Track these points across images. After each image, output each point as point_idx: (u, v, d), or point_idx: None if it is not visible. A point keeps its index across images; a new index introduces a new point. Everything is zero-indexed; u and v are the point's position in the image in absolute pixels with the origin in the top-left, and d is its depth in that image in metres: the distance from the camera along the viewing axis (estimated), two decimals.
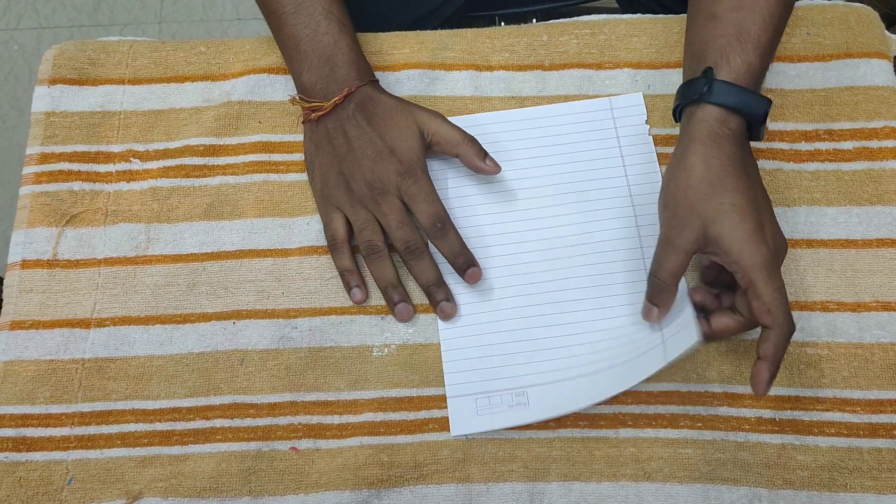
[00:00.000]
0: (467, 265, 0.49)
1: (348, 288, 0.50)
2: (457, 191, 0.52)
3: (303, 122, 0.53)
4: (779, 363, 0.43)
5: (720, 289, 0.47)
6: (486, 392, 0.47)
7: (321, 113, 0.50)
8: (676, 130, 0.53)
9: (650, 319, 0.47)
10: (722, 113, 0.45)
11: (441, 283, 0.49)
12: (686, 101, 0.46)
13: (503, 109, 0.55)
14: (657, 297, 0.46)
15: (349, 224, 0.50)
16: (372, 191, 0.48)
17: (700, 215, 0.43)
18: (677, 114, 0.48)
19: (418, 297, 0.50)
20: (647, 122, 0.54)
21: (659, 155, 0.53)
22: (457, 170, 0.53)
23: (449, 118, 0.52)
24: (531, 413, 0.47)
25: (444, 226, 0.48)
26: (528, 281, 0.50)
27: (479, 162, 0.50)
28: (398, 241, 0.48)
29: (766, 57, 0.46)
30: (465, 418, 0.47)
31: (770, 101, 0.45)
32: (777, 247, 0.44)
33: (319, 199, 0.51)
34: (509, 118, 0.54)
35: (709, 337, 0.45)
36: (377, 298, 0.50)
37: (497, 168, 0.50)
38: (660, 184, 0.49)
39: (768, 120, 0.50)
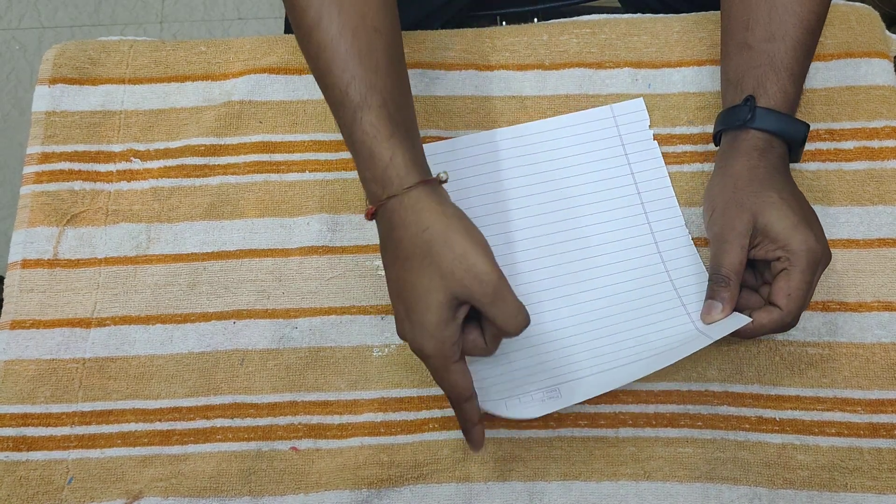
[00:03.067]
0: (474, 435, 0.42)
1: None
2: (476, 199, 0.52)
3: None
4: (755, 336, 0.46)
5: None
6: (517, 394, 0.46)
7: (367, 215, 0.42)
8: (677, 130, 0.54)
9: (712, 318, 0.46)
10: (765, 136, 0.47)
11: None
12: (729, 126, 0.48)
13: (503, 109, 0.55)
14: (720, 294, 0.46)
15: None
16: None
17: (749, 209, 0.45)
18: (717, 138, 0.51)
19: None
20: (649, 126, 0.54)
21: (662, 156, 0.53)
22: (478, 188, 0.52)
23: (452, 138, 0.52)
24: (564, 402, 0.45)
25: (458, 405, 0.41)
26: (552, 294, 0.49)
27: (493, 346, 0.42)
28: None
29: (798, 84, 0.48)
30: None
31: (808, 126, 0.47)
32: (822, 248, 0.45)
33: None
34: (513, 134, 0.54)
35: (748, 333, 0.45)
36: (377, 298, 0.50)
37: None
38: (669, 187, 0.52)
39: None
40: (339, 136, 0.54)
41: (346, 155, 0.54)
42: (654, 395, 0.48)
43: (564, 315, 0.49)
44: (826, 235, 0.50)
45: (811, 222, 0.45)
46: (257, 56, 0.57)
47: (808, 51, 0.48)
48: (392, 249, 0.40)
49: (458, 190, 0.52)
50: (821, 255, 0.44)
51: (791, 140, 0.47)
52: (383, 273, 0.51)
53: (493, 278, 0.38)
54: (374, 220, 0.43)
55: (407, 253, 0.39)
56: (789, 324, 0.45)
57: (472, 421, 0.41)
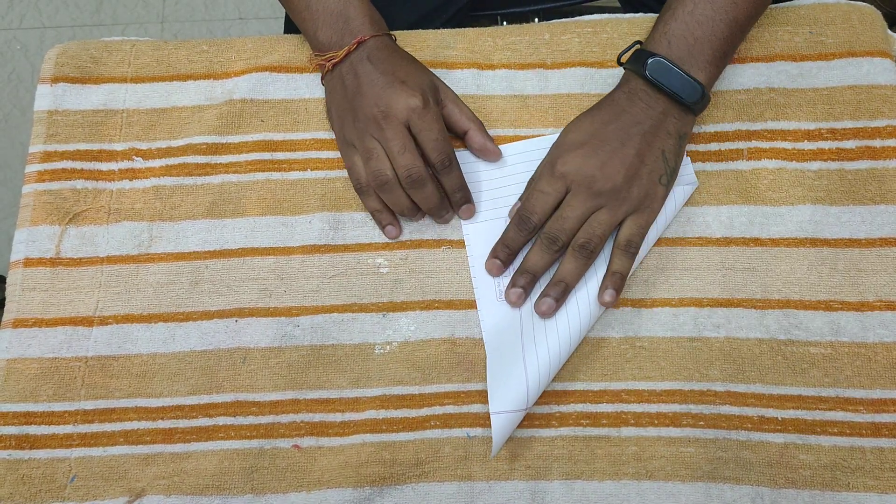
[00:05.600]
0: (464, 201, 0.51)
1: (381, 226, 0.52)
2: (491, 212, 0.52)
3: (322, 80, 0.54)
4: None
5: None
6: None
7: (335, 61, 0.50)
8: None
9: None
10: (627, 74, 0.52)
11: (444, 204, 0.51)
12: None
13: (505, 108, 0.55)
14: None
15: None
16: (377, 113, 0.48)
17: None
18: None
19: (420, 294, 0.51)
20: None
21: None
22: (494, 202, 0.53)
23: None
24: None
25: (451, 163, 0.49)
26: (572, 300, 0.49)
27: (490, 143, 0.52)
28: (400, 167, 0.48)
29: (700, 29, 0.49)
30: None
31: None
32: (586, 172, 0.47)
33: (340, 144, 0.52)
34: (529, 147, 0.53)
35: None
36: (378, 295, 0.50)
37: (500, 155, 0.53)
38: (694, 186, 0.52)
39: (771, 119, 0.52)
40: None
41: None
42: (657, 394, 0.48)
43: (569, 325, 0.48)
44: (828, 234, 0.51)
45: (588, 149, 0.48)
46: (259, 55, 0.57)
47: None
48: (380, 58, 0.50)
49: (483, 201, 0.52)
50: (568, 176, 0.47)
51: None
52: (385, 271, 0.51)
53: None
54: (335, 77, 0.51)
55: (400, 58, 0.51)
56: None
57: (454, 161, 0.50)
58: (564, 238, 0.48)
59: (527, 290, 0.49)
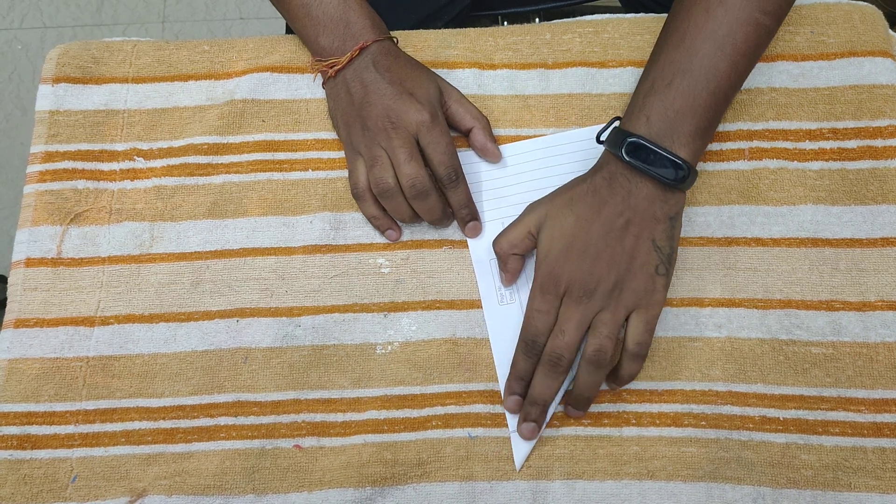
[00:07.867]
0: (470, 218, 0.51)
1: (381, 231, 0.51)
2: (494, 212, 0.52)
3: (323, 85, 0.53)
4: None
5: None
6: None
7: (338, 67, 0.50)
8: None
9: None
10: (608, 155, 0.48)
11: (446, 215, 0.51)
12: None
13: (506, 108, 0.55)
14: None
15: None
16: (386, 123, 0.48)
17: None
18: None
19: (421, 294, 0.51)
20: None
21: None
22: (499, 201, 0.53)
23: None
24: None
25: (457, 177, 0.49)
26: None
27: (491, 143, 0.52)
28: (404, 175, 0.48)
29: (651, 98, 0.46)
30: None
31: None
32: (576, 280, 0.44)
33: (346, 149, 0.52)
34: (530, 147, 0.53)
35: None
36: (379, 295, 0.50)
37: (499, 156, 0.52)
38: None
39: (772, 118, 0.51)
40: None
41: None
42: (658, 394, 0.48)
43: None
44: (830, 234, 0.51)
45: (580, 251, 0.45)
46: (260, 55, 0.57)
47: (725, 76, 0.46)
48: (385, 64, 0.50)
49: (484, 201, 0.53)
50: (566, 289, 0.45)
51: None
52: (386, 271, 0.51)
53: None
54: (337, 82, 0.51)
55: (404, 64, 0.51)
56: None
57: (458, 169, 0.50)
58: (568, 354, 0.44)
59: (540, 422, 0.46)
